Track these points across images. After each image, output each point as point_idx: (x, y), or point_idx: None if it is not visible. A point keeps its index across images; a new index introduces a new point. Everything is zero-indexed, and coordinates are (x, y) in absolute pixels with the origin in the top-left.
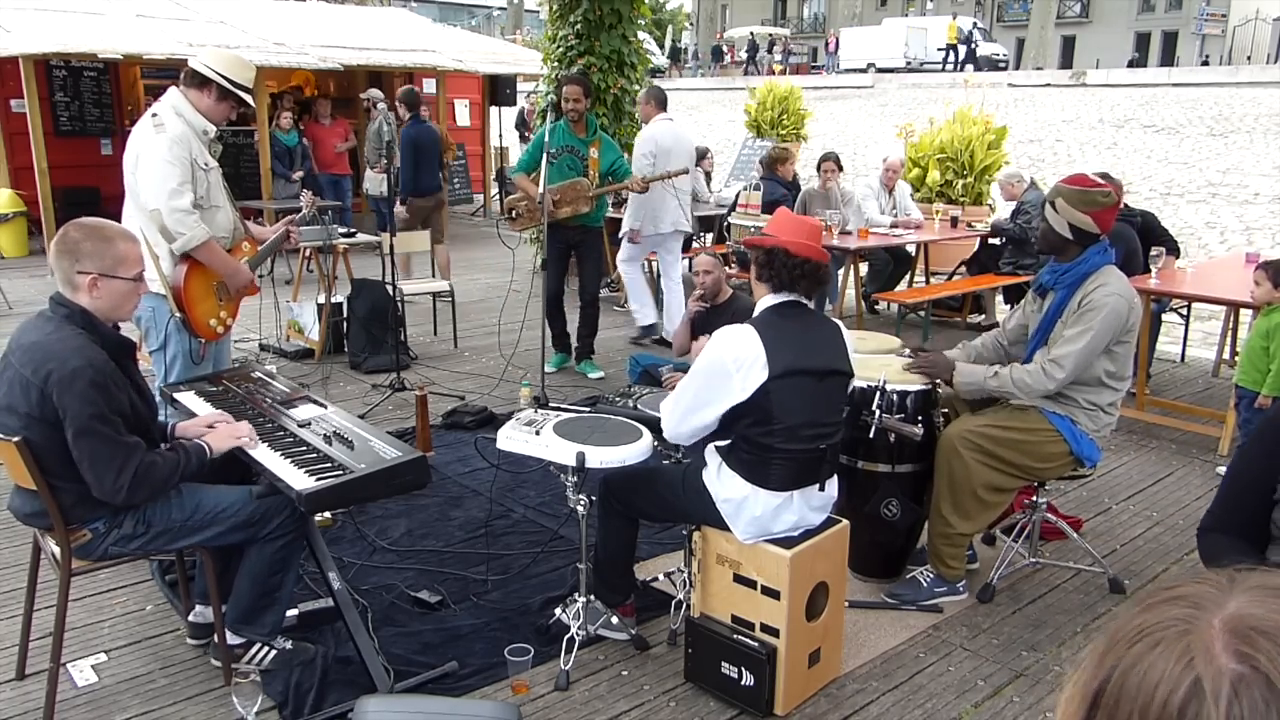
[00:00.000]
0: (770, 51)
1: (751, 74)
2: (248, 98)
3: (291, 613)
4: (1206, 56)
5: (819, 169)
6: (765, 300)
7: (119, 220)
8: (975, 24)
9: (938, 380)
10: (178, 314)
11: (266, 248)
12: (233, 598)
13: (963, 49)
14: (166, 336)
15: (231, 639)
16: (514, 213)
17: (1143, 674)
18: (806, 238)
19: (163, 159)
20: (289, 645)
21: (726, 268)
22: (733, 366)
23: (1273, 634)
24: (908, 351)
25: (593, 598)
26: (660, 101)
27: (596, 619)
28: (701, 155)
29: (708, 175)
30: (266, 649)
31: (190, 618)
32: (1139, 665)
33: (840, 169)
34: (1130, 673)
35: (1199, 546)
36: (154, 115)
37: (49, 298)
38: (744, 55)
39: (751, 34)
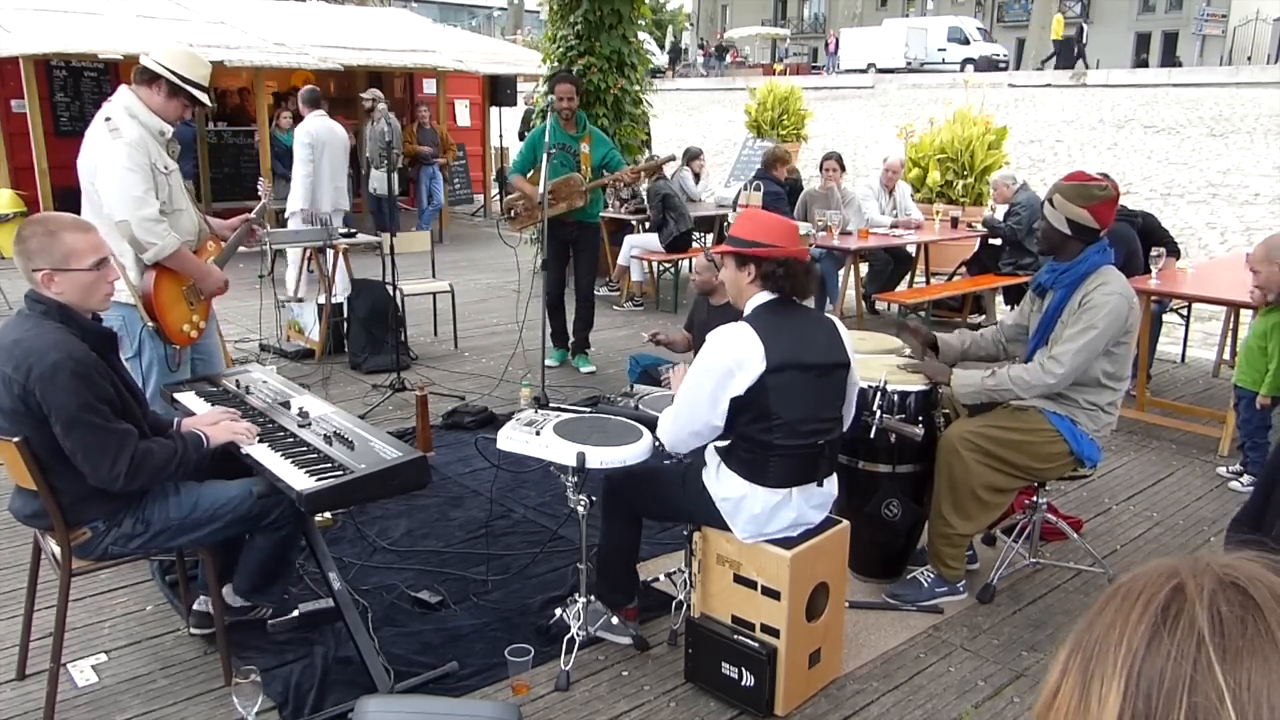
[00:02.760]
0: (699, 50)
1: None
2: (200, 95)
3: (292, 614)
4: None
5: (821, 169)
6: (756, 299)
7: None
8: (1083, 23)
9: (939, 381)
10: (149, 323)
11: (229, 248)
12: (242, 571)
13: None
14: (140, 345)
15: (238, 601)
16: (512, 212)
17: (1123, 594)
18: (799, 240)
19: (122, 167)
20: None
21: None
22: (734, 365)
23: (1250, 568)
24: (907, 353)
25: (593, 598)
26: (313, 102)
27: (597, 620)
28: (693, 156)
29: (696, 176)
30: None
31: (195, 606)
32: (1119, 592)
33: (842, 169)
34: (1110, 601)
35: (1226, 536)
36: (108, 120)
37: (24, 295)
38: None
39: (675, 39)
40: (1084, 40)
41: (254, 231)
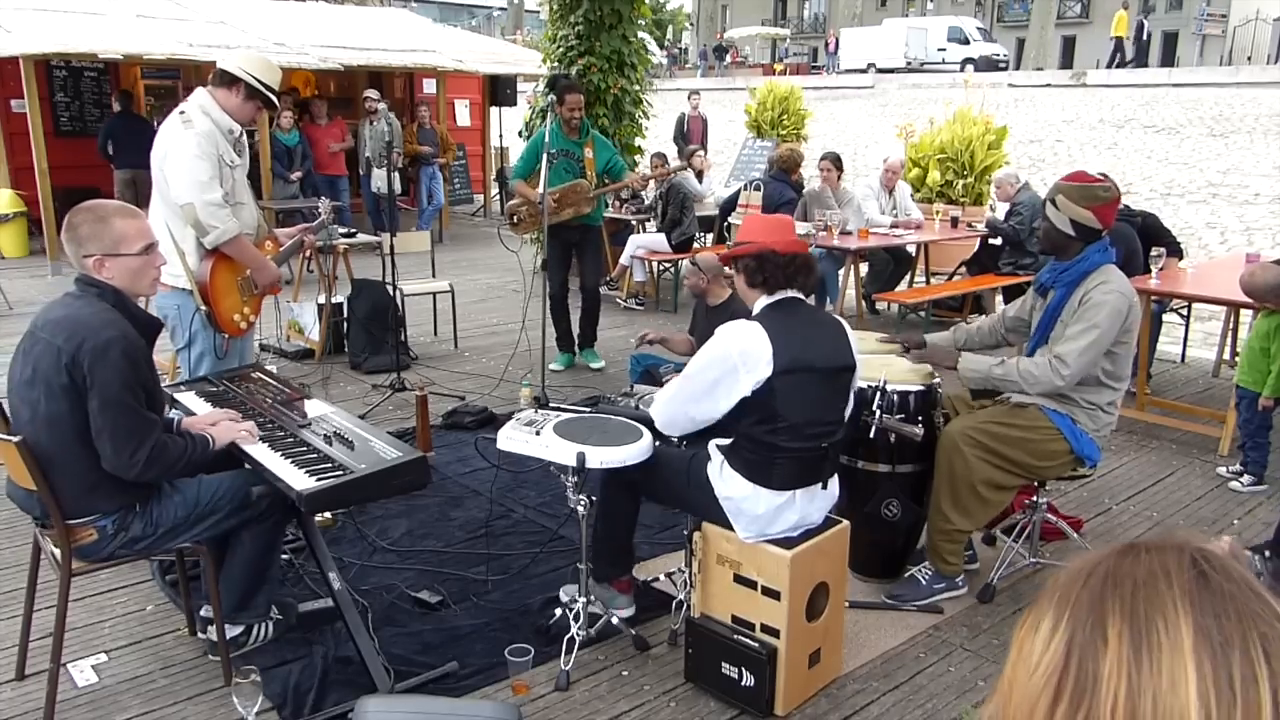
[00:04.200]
0: (662, 51)
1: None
2: (274, 98)
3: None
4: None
5: (819, 168)
6: (761, 301)
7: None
8: (1143, 19)
9: (945, 366)
10: (203, 308)
11: (285, 251)
12: (224, 592)
13: (1131, 45)
14: (192, 334)
15: (231, 630)
16: (515, 218)
17: (1146, 559)
18: (786, 233)
19: (191, 154)
20: (279, 615)
21: (726, 269)
22: (739, 360)
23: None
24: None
25: (592, 597)
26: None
27: (596, 621)
28: (692, 153)
29: (699, 174)
30: (264, 626)
31: (201, 613)
32: (1136, 562)
33: (838, 170)
34: (1130, 561)
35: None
36: (182, 113)
37: (75, 279)
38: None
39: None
40: (1145, 35)
41: (305, 243)
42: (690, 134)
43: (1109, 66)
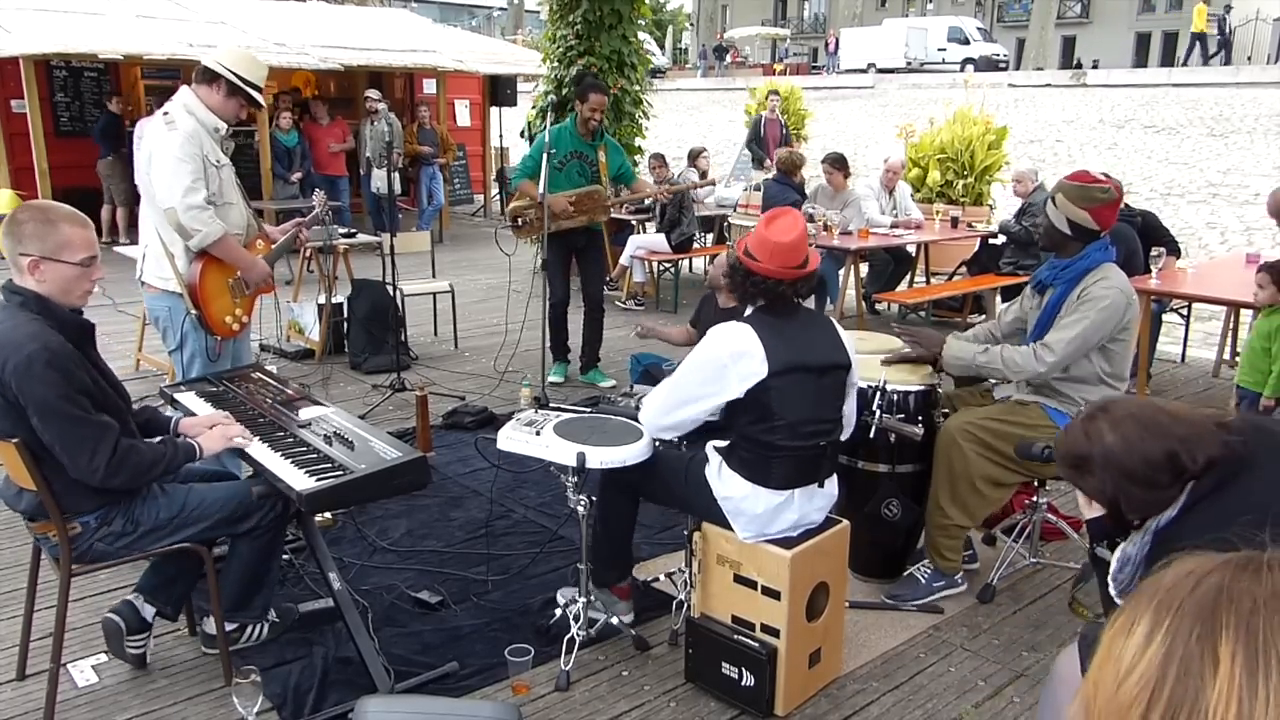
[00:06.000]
0: None
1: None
2: (258, 96)
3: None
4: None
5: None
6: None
7: (135, 221)
8: (1224, 14)
9: (931, 351)
10: (193, 311)
11: (279, 248)
12: (222, 589)
13: (1214, 40)
14: (183, 336)
15: (228, 624)
16: (520, 220)
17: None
18: (776, 258)
19: (174, 156)
20: (277, 619)
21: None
22: (730, 361)
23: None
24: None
25: (592, 598)
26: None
27: (596, 621)
28: (697, 154)
29: (703, 174)
30: (259, 626)
31: (203, 627)
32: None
33: (840, 170)
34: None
35: None
36: (165, 114)
37: (1, 286)
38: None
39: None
40: (1228, 32)
41: (300, 236)
42: (767, 139)
43: (1185, 63)
